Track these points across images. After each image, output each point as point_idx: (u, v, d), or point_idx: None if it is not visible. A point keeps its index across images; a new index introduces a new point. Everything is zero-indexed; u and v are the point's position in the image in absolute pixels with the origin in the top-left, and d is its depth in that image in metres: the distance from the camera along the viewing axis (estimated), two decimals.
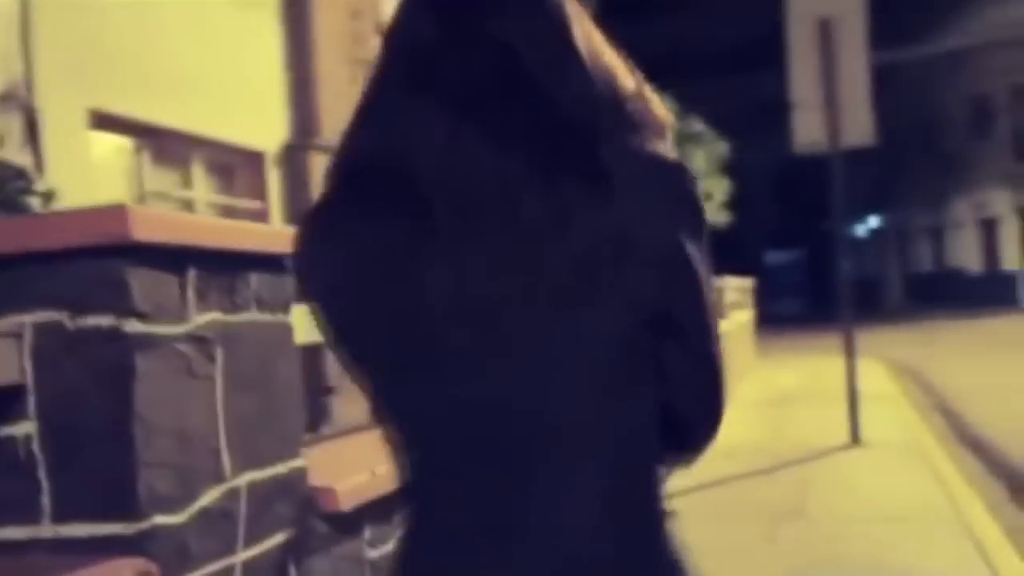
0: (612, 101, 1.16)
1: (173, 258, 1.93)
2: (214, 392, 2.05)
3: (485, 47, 1.13)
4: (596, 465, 1.13)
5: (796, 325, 27.10)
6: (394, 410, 1.21)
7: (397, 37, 1.20)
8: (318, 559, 2.42)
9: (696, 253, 1.14)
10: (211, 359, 2.05)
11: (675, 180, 1.14)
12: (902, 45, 23.50)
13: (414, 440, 1.19)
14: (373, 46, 10.06)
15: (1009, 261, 31.32)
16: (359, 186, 1.15)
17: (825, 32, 8.43)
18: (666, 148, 1.16)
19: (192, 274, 2.00)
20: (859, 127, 8.44)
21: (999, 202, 31.69)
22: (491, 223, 1.09)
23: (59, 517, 1.84)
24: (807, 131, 8.53)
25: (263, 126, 9.21)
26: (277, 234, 2.29)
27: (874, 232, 41.77)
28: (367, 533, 2.68)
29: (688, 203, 1.15)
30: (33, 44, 6.52)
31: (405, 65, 1.17)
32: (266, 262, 2.27)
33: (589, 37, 1.18)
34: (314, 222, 1.19)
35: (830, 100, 8.41)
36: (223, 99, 8.31)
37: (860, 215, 37.10)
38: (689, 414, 1.21)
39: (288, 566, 2.28)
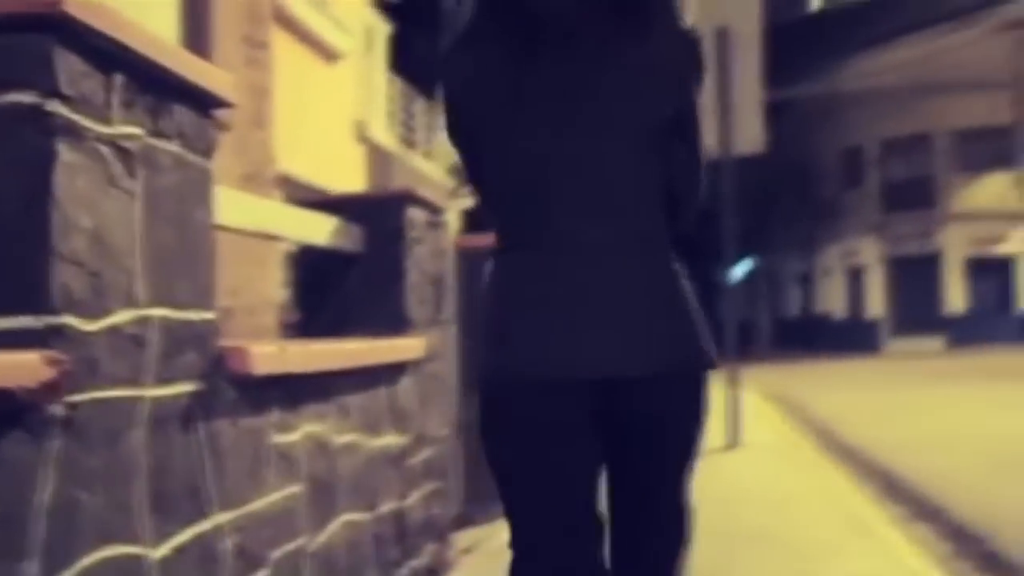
0: None
1: (103, 55, 1.83)
2: (132, 210, 1.94)
3: None
4: (636, 214, 1.79)
5: None
6: (501, 167, 1.82)
7: None
8: (224, 424, 2.31)
9: (696, 91, 1.84)
10: (132, 175, 1.94)
11: (691, 42, 1.82)
12: (780, 87, 24.27)
13: (514, 186, 1.80)
14: (270, 28, 9.92)
15: (873, 309, 32.53)
16: (490, 16, 1.79)
17: (721, 41, 8.65)
18: (686, 22, 1.82)
19: (120, 80, 1.90)
20: (751, 136, 8.66)
21: (866, 251, 32.92)
22: (578, 42, 1.74)
23: None
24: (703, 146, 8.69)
25: None
26: (209, 69, 2.20)
27: (747, 275, 42.90)
28: (274, 415, 2.58)
29: (696, 58, 1.84)
30: None
31: None
32: (194, 97, 2.18)
33: None
34: (457, 39, 1.83)
35: (724, 108, 8.61)
36: None
37: (734, 258, 38.05)
38: (681, 189, 1.88)
39: (195, 422, 2.17)
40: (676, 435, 1.85)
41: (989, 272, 31.21)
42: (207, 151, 2.26)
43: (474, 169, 1.92)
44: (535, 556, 1.75)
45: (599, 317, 1.72)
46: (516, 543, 1.78)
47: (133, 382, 1.93)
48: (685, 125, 1.83)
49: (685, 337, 1.80)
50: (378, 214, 3.77)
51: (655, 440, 1.83)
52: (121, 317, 1.89)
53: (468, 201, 16.17)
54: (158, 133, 2.05)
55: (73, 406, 1.73)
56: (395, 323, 3.73)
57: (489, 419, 1.79)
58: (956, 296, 31.37)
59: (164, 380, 2.05)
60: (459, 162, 2.00)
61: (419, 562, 3.81)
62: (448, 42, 1.84)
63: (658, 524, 1.87)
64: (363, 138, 15.02)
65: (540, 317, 1.73)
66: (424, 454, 3.94)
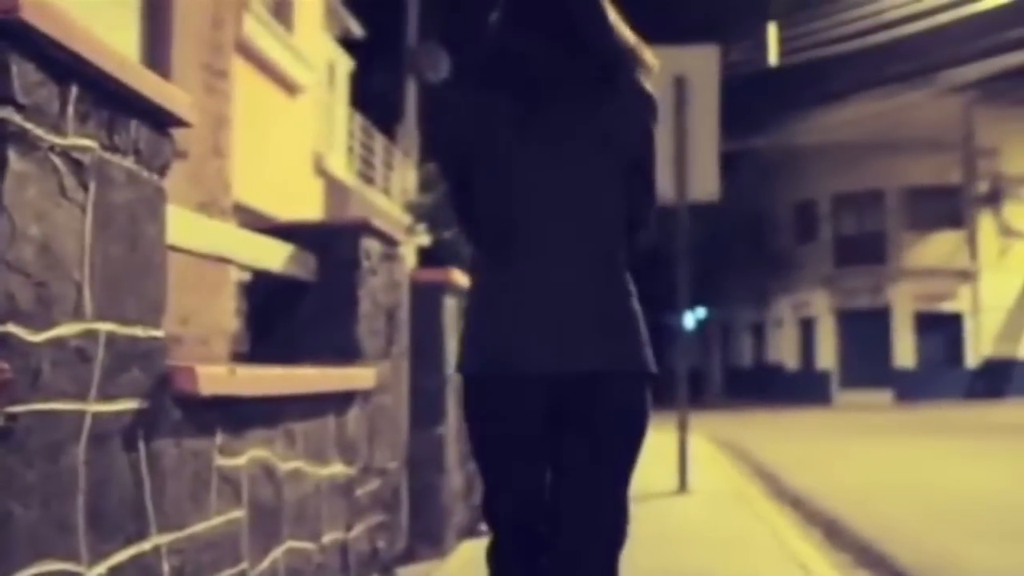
0: (623, 48, 2.29)
1: (60, 66, 1.83)
2: (83, 223, 1.93)
3: (558, 10, 2.25)
4: (597, 236, 2.23)
5: None
6: (487, 196, 2.26)
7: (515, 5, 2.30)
8: (167, 444, 2.28)
9: (654, 138, 2.30)
10: (84, 187, 1.93)
11: (650, 101, 2.32)
12: (737, 139, 24.62)
13: (498, 216, 2.24)
14: (231, 57, 9.90)
15: (824, 360, 32.85)
16: (487, 73, 2.28)
17: (680, 89, 8.76)
18: (647, 82, 2.31)
19: (75, 91, 1.89)
20: (706, 183, 8.76)
21: (818, 303, 33.30)
22: (565, 100, 2.22)
23: None
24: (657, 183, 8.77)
25: None
26: (167, 87, 2.20)
27: (699, 325, 43.20)
28: (219, 438, 2.56)
29: (654, 114, 2.32)
30: None
31: (521, 14, 2.27)
32: (150, 114, 2.17)
33: (611, 12, 2.30)
34: (458, 82, 2.46)
35: (680, 155, 8.71)
36: None
37: (687, 305, 38.32)
38: (637, 216, 2.33)
39: (137, 440, 2.15)
40: (617, 427, 2.22)
41: (938, 328, 31.69)
42: (162, 169, 2.25)
43: (457, 192, 2.41)
44: (496, 502, 2.33)
45: (551, 323, 2.16)
46: (485, 494, 2.38)
47: (76, 396, 1.90)
48: (643, 165, 2.33)
49: (627, 343, 2.21)
50: (333, 242, 3.76)
51: (598, 429, 2.20)
52: (67, 329, 1.87)
53: (424, 238, 16.19)
54: (112, 147, 2.04)
55: (12, 417, 1.70)
56: (346, 353, 3.72)
57: (465, 404, 2.33)
58: (905, 351, 31.79)
59: (108, 396, 2.02)
60: (445, 194, 2.53)
61: None
62: (446, 83, 2.47)
63: (602, 513, 2.24)
64: (321, 171, 15.02)
65: (502, 324, 2.20)
66: (371, 486, 3.91)
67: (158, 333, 2.23)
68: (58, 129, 1.84)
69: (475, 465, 2.41)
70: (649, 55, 2.32)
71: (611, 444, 2.21)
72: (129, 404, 2.11)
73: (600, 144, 2.22)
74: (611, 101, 2.24)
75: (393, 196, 18.97)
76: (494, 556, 2.33)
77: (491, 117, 2.22)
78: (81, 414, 1.92)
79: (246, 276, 3.94)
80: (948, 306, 31.80)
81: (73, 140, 1.89)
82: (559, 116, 2.21)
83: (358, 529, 3.74)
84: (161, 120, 2.23)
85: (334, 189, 15.30)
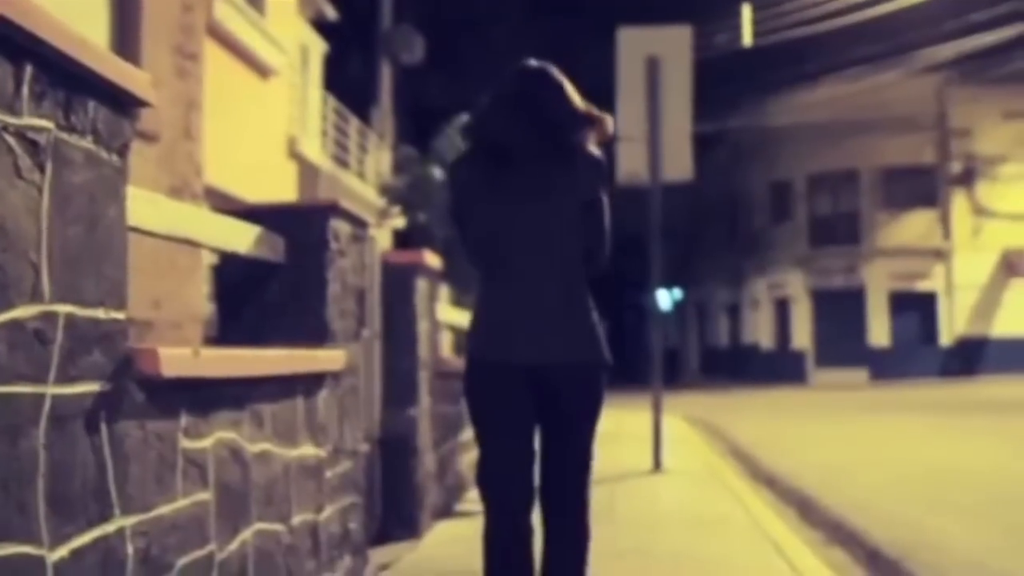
0: (578, 119, 3.04)
1: (14, 45, 1.80)
2: (40, 204, 1.91)
3: (531, 100, 3.01)
4: (562, 264, 2.99)
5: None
6: (483, 237, 3.03)
7: (502, 92, 3.08)
8: (130, 427, 2.27)
9: (603, 192, 3.04)
10: (40, 169, 1.91)
11: (598, 163, 3.06)
12: (711, 120, 24.65)
13: (490, 249, 3.01)
14: (202, 40, 9.81)
15: (799, 339, 33.03)
16: (483, 147, 3.08)
17: (652, 70, 8.76)
18: (596, 148, 3.08)
19: (30, 70, 1.87)
20: (679, 163, 8.77)
21: (793, 284, 33.44)
22: (533, 170, 2.99)
23: None
24: (630, 163, 8.79)
25: None
26: (126, 68, 2.18)
27: (675, 305, 43.36)
28: (183, 420, 2.55)
29: (602, 176, 3.06)
30: None
31: (502, 103, 3.04)
32: (109, 94, 2.15)
33: (569, 87, 3.05)
34: (461, 159, 3.19)
35: (654, 135, 8.72)
36: None
37: (661, 285, 38.44)
38: (592, 246, 3.07)
39: (100, 422, 2.13)
40: (583, 406, 3.05)
41: (912, 307, 31.90)
42: (122, 149, 2.23)
43: (463, 232, 3.16)
44: (489, 468, 3.02)
45: (530, 327, 2.97)
46: (479, 458, 3.07)
47: (34, 379, 1.89)
48: (594, 209, 3.07)
49: (587, 343, 3.03)
50: (301, 224, 3.74)
51: (569, 408, 3.02)
52: (24, 312, 1.86)
53: (399, 221, 16.14)
54: (70, 128, 2.02)
55: None
56: (315, 334, 3.71)
57: (467, 379, 3.08)
58: (880, 330, 31.99)
59: (68, 378, 2.01)
60: (454, 229, 3.35)
61: None
62: (455, 159, 3.31)
63: (572, 461, 3.06)
64: (295, 154, 14.93)
65: (496, 325, 3.03)
66: (342, 467, 3.91)
67: (120, 315, 2.22)
68: (12, 109, 1.82)
69: (473, 432, 3.11)
70: (601, 123, 3.09)
71: (578, 411, 3.05)
72: (90, 387, 2.09)
73: (558, 198, 3.00)
74: (565, 166, 3.02)
75: (368, 179, 18.89)
76: (492, 502, 3.00)
77: (479, 181, 3.06)
78: (40, 397, 1.91)
79: (218, 260, 3.92)
80: (922, 285, 32.01)
81: (28, 120, 1.87)
82: (527, 179, 3.00)
83: (329, 511, 3.74)
84: (120, 100, 2.20)
85: (308, 172, 15.22)
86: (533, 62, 3.12)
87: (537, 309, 2.95)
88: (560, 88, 3.05)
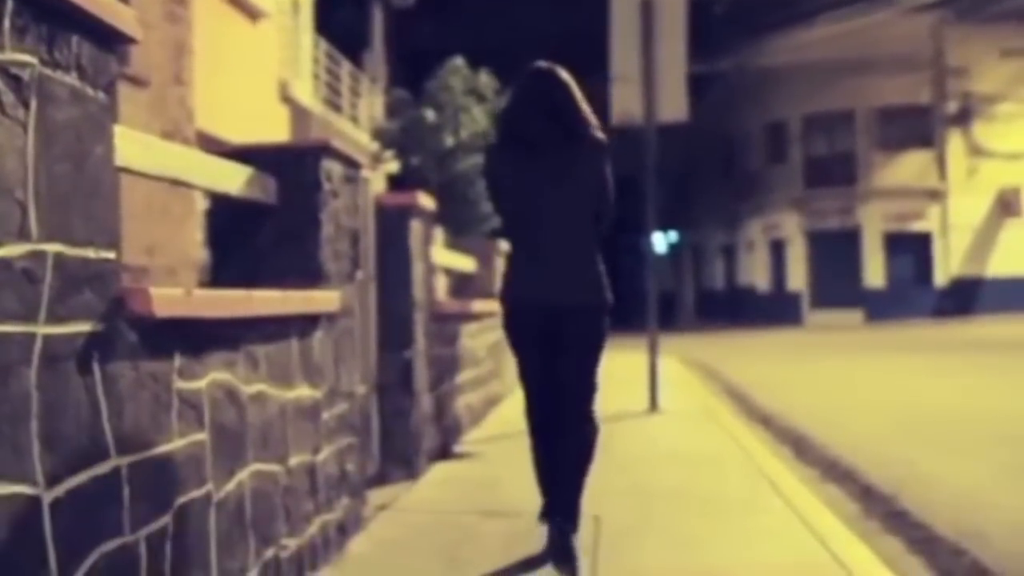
0: (587, 118, 3.84)
1: None
2: (25, 141, 1.88)
3: (549, 101, 3.83)
4: (578, 230, 3.84)
5: None
6: (514, 211, 3.93)
7: (522, 91, 3.92)
8: (124, 367, 2.26)
9: (609, 174, 3.86)
10: (24, 105, 1.88)
11: (602, 146, 3.83)
12: (706, 61, 24.43)
13: (518, 221, 3.91)
14: None
15: (795, 281, 33.05)
16: (510, 137, 3.91)
17: (647, 11, 8.65)
18: (602, 136, 3.85)
19: (11, 4, 1.83)
20: (674, 104, 8.69)
21: (788, 225, 33.38)
22: (550, 154, 3.80)
23: None
24: (624, 104, 8.71)
25: None
26: (108, 3, 2.13)
27: (671, 248, 43.35)
28: (177, 360, 2.53)
29: (605, 155, 3.84)
30: None
31: (530, 101, 3.86)
32: (93, 29, 2.11)
33: (574, 85, 3.87)
34: (494, 147, 4.01)
35: (648, 76, 8.63)
36: None
37: (657, 228, 38.36)
38: (601, 212, 3.88)
39: (92, 363, 2.12)
40: (588, 338, 3.82)
41: (907, 248, 31.89)
42: (108, 86, 2.19)
43: (499, 208, 4.04)
44: (525, 374, 3.93)
45: (549, 278, 3.78)
46: (519, 369, 3.96)
47: (24, 318, 1.87)
48: (602, 185, 3.84)
49: (592, 289, 3.81)
50: (293, 165, 3.71)
51: (577, 339, 3.81)
52: (12, 250, 1.83)
53: (393, 165, 16.04)
54: (53, 63, 1.98)
55: None
56: (308, 276, 3.69)
57: (505, 319, 3.91)
58: (875, 271, 32.00)
59: (59, 318, 1.99)
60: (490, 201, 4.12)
61: (332, 516, 3.79)
62: (488, 147, 4.07)
63: (580, 380, 3.83)
64: (287, 98, 14.80)
65: (524, 278, 3.86)
66: (338, 409, 3.91)
67: (110, 255, 2.19)
68: None
69: (512, 354, 3.99)
70: (599, 131, 3.85)
71: (585, 344, 3.83)
72: (82, 326, 2.08)
73: (572, 176, 3.78)
74: (577, 151, 3.80)
75: (361, 123, 18.75)
76: (528, 408, 3.96)
77: (509, 163, 3.87)
78: (31, 336, 1.89)
79: (212, 205, 3.88)
80: (917, 226, 31.97)
81: (11, 55, 1.84)
82: (547, 161, 3.78)
83: (326, 452, 3.75)
84: (105, 36, 2.16)
85: (300, 116, 15.09)
86: (543, 64, 3.91)
87: (553, 265, 3.78)
88: (567, 86, 3.84)
